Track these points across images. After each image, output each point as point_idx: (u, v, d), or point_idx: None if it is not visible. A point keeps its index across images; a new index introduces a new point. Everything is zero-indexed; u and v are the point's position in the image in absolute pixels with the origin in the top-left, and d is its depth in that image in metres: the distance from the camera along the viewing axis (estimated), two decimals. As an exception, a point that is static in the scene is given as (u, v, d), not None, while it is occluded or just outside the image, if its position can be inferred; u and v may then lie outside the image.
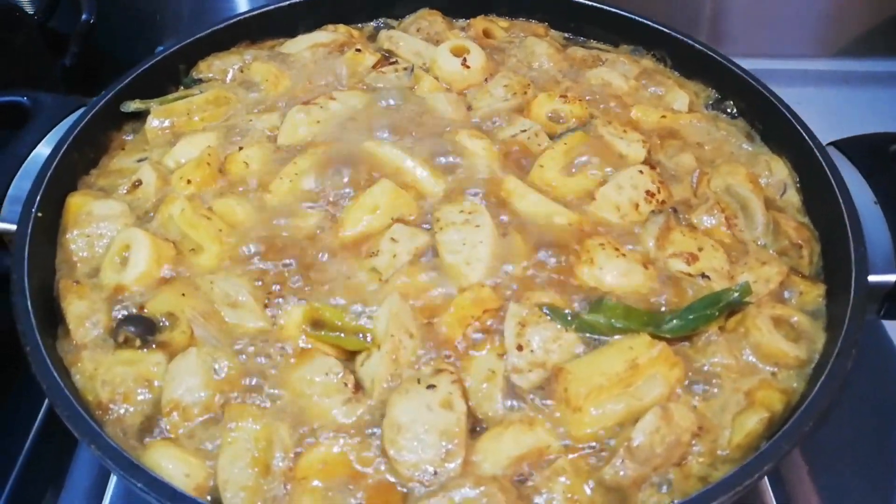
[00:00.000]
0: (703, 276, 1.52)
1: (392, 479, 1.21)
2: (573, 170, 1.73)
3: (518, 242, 1.51)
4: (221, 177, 1.71)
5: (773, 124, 1.89)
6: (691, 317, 1.41)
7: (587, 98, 1.95)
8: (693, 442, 1.27)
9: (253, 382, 1.32)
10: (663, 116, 1.93)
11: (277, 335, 1.38)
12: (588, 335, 1.39)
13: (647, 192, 1.67)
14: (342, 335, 1.36)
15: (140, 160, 1.80)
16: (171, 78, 2.02)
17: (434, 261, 1.49)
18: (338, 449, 1.23)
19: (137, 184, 1.72)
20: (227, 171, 1.72)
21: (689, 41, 2.10)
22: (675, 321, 1.41)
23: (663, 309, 1.45)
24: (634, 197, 1.65)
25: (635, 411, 1.28)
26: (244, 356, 1.35)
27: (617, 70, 2.05)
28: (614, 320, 1.38)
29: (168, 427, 1.27)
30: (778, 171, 1.81)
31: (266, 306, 1.42)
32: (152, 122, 1.87)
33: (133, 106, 1.90)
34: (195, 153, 1.75)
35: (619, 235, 1.57)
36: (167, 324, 1.41)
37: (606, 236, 1.55)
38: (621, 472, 1.20)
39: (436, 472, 1.20)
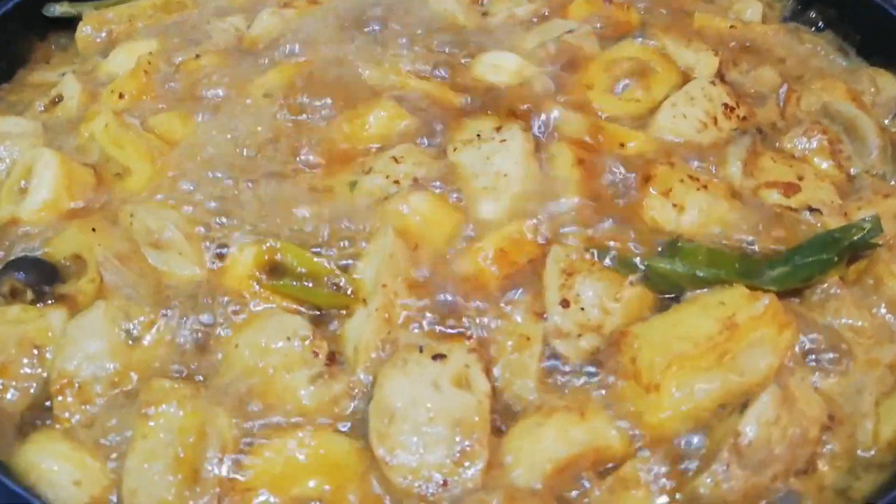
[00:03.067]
0: (811, 209, 1.11)
1: (379, 491, 0.81)
2: (623, 88, 1.32)
3: (561, 169, 1.11)
4: (165, 86, 1.30)
5: (873, 32, 1.48)
6: (802, 262, 1.01)
7: (638, 4, 1.53)
8: (823, 438, 0.87)
9: (183, 350, 0.92)
10: (732, 27, 1.52)
11: (219, 284, 0.98)
12: (660, 293, 0.99)
13: (725, 105, 1.26)
14: (310, 285, 0.96)
15: (66, 73, 1.41)
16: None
17: (446, 189, 1.09)
18: (301, 447, 0.83)
19: (57, 100, 1.33)
20: (178, 77, 1.32)
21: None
22: (779, 268, 1.01)
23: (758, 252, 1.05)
24: (710, 109, 1.24)
25: (736, 391, 0.89)
26: (171, 312, 0.95)
27: (673, -30, 1.64)
28: (697, 268, 0.98)
29: (57, 412, 0.88)
30: (887, 87, 1.40)
31: (206, 245, 1.01)
32: (84, 30, 1.47)
33: (60, 9, 1.50)
34: (133, 62, 1.35)
35: (696, 159, 1.17)
36: (72, 269, 1.02)
37: (680, 162, 1.14)
38: (725, 484, 0.80)
39: (445, 483, 0.81)
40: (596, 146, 1.17)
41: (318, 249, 1.00)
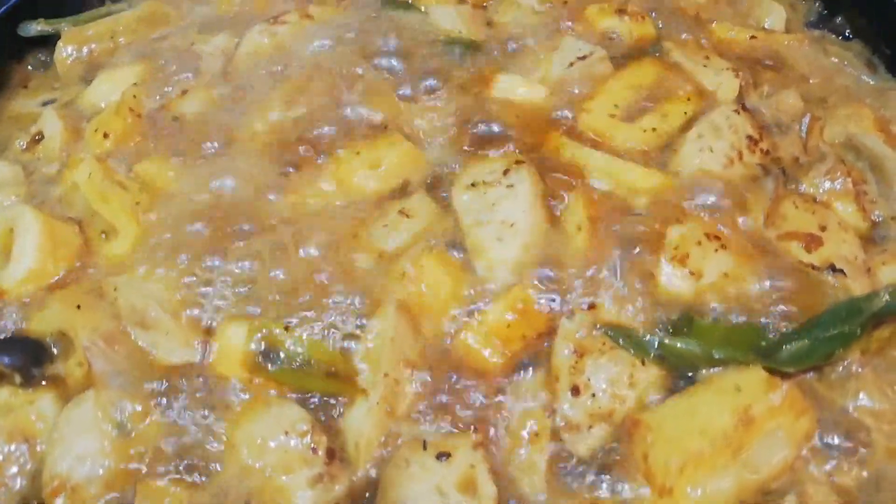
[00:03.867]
0: (833, 268, 1.06)
1: None
2: (638, 111, 1.24)
3: (572, 224, 1.05)
4: (151, 127, 1.23)
5: (907, 47, 1.39)
6: (822, 336, 0.96)
7: (652, 14, 1.42)
8: (840, 541, 0.85)
9: (178, 445, 0.89)
10: (753, 37, 1.42)
11: (210, 369, 0.94)
12: (675, 370, 0.94)
13: (749, 137, 1.19)
14: (306, 368, 0.91)
15: (46, 103, 1.33)
16: (94, -12, 1.52)
17: (451, 245, 1.04)
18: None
19: (38, 138, 1.26)
20: (163, 116, 1.24)
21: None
22: (797, 343, 0.96)
23: (778, 324, 0.99)
24: (736, 142, 1.17)
25: (752, 488, 0.86)
26: (163, 402, 0.91)
27: (690, -27, 1.53)
28: (713, 348, 0.93)
29: (52, 516, 0.86)
30: (918, 115, 1.32)
31: (195, 319, 0.97)
32: (63, 51, 1.38)
33: (37, 27, 1.41)
34: (118, 94, 1.27)
35: (717, 204, 1.10)
36: (58, 350, 0.98)
37: (698, 212, 1.08)
38: None
39: None
40: (608, 196, 1.10)
41: (316, 325, 0.95)
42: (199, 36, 1.38)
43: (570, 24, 1.39)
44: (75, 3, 1.47)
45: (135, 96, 1.25)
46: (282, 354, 0.92)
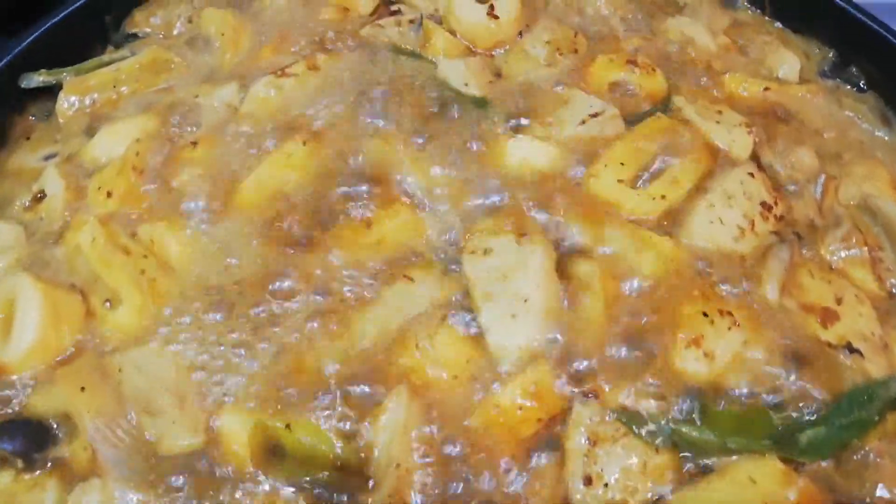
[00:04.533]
0: (850, 347, 1.04)
1: None
2: (648, 175, 1.22)
3: (587, 301, 1.03)
4: (154, 186, 1.21)
5: (922, 101, 1.37)
6: (839, 424, 0.95)
7: (662, 67, 1.40)
8: None
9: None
10: (766, 89, 1.40)
11: (219, 460, 0.92)
12: (688, 455, 0.93)
13: (763, 203, 1.17)
14: (313, 462, 0.90)
15: (48, 157, 1.31)
16: (95, 35, 1.49)
17: (463, 320, 1.02)
18: None
19: (40, 196, 1.23)
20: (166, 175, 1.22)
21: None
22: (814, 431, 0.95)
23: (793, 407, 0.98)
24: (749, 211, 1.15)
25: (764, 590, 0.84)
26: (170, 494, 0.90)
27: (701, 21, 1.50)
28: (727, 437, 0.92)
29: None
30: (935, 174, 1.30)
31: (204, 410, 0.95)
32: (65, 101, 1.36)
33: (39, 79, 1.38)
34: (121, 148, 1.25)
35: (729, 278, 1.08)
36: (62, 432, 0.96)
37: (710, 287, 1.06)
38: None
39: None
40: (620, 269, 1.09)
41: (323, 415, 0.94)
42: (203, 87, 1.36)
43: (579, 77, 1.37)
44: (77, 51, 1.44)
45: (137, 153, 1.22)
46: (287, 451, 0.90)
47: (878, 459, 0.94)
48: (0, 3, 2.06)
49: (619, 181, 1.19)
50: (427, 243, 1.12)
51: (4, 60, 1.33)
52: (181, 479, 0.90)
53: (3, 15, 2.10)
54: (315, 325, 1.00)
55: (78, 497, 0.89)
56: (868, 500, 0.92)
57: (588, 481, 0.90)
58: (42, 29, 1.39)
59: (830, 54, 1.50)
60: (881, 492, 0.92)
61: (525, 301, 1.02)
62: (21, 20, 1.70)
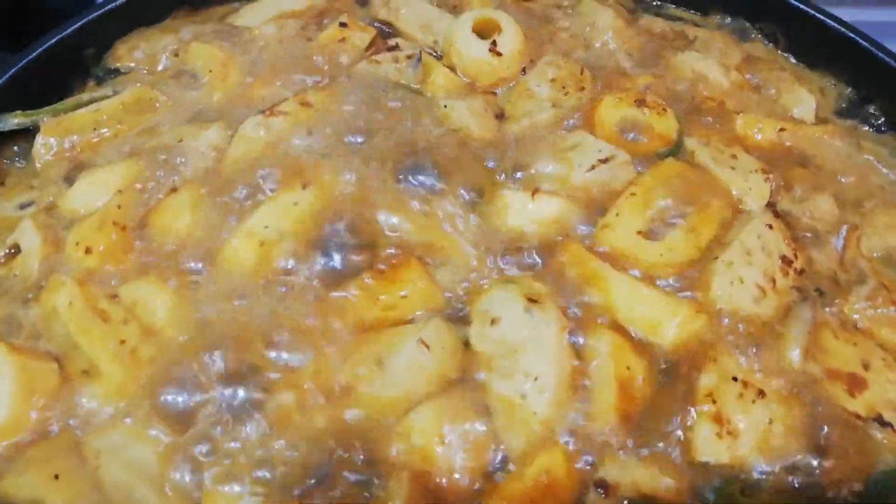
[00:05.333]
0: (880, 420, 0.97)
1: None
2: (663, 225, 1.15)
3: (599, 381, 0.96)
4: (139, 239, 1.13)
5: (945, 144, 1.31)
6: (874, 508, 0.88)
7: (673, 107, 1.33)
8: None
9: None
10: (782, 130, 1.33)
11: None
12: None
13: (783, 258, 1.11)
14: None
15: (24, 206, 1.23)
16: (75, 70, 1.41)
17: (470, 407, 0.95)
18: None
19: (14, 251, 1.16)
20: (149, 229, 1.14)
21: (810, 10, 1.47)
22: (848, 517, 0.88)
23: (823, 489, 0.91)
24: (768, 267, 1.09)
25: None
26: None
27: (713, 56, 1.44)
28: (758, 529, 0.85)
29: None
30: (961, 223, 1.23)
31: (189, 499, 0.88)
32: (42, 145, 1.28)
33: (14, 121, 1.30)
34: (102, 199, 1.17)
35: (752, 342, 1.02)
36: (34, 524, 0.88)
37: (732, 356, 0.99)
38: None
39: None
40: (635, 336, 1.02)
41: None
42: (188, 128, 1.28)
43: (586, 118, 1.31)
44: (55, 87, 1.36)
45: (119, 207, 1.15)
46: None
47: (915, 549, 0.88)
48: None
49: (637, 232, 1.12)
50: (433, 305, 1.04)
51: (-23, 103, 1.25)
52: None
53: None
54: (316, 410, 0.93)
55: None
56: None
57: (606, 580, 0.83)
58: (17, 66, 1.32)
59: (847, 91, 1.44)
60: (920, 588, 0.86)
61: (536, 379, 0.95)
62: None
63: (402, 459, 0.89)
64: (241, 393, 0.95)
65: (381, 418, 0.93)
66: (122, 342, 1.00)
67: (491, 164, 1.22)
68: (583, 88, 1.36)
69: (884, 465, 0.92)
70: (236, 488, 0.87)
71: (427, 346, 0.97)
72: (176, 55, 1.44)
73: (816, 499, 0.90)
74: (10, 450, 0.93)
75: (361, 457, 0.90)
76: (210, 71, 1.39)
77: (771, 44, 1.52)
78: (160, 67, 1.43)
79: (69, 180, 1.23)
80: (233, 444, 0.90)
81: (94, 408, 0.96)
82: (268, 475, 0.87)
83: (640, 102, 1.32)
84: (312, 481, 0.87)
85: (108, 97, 1.34)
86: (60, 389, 0.98)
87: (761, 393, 0.96)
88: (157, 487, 0.87)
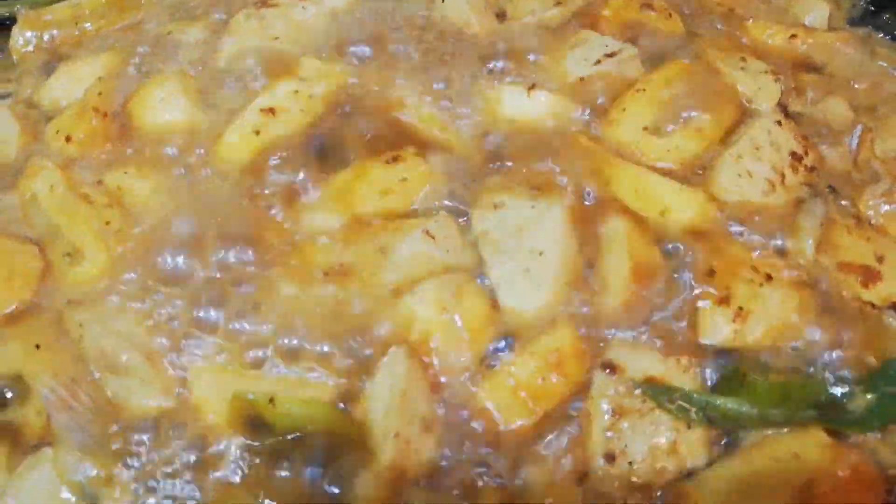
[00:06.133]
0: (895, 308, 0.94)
1: None
2: (671, 122, 1.10)
3: (607, 263, 0.92)
4: (121, 131, 1.07)
5: (962, 50, 1.26)
6: (889, 392, 0.85)
7: (681, 11, 1.28)
8: None
9: (151, 519, 0.76)
10: (793, 36, 1.29)
11: (193, 416, 0.81)
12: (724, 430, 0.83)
13: (792, 153, 1.07)
14: (303, 436, 0.79)
15: (1, 97, 1.17)
16: (54, -35, 1.34)
17: (472, 277, 0.91)
18: None
19: (-10, 139, 1.10)
20: (131, 118, 1.08)
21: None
22: (862, 400, 0.85)
23: (835, 375, 0.88)
24: (777, 162, 1.05)
25: (812, 576, 0.75)
26: (135, 464, 0.78)
27: (723, -38, 1.38)
28: (766, 408, 0.82)
29: None
30: (977, 127, 1.20)
31: (177, 370, 0.83)
32: (20, 37, 1.22)
33: (-10, 10, 1.24)
34: (82, 89, 1.11)
35: (762, 232, 0.99)
36: (13, 395, 0.84)
37: (741, 245, 0.96)
38: None
39: None
40: (644, 220, 0.98)
41: (315, 373, 0.82)
42: (174, 24, 1.22)
43: (591, 17, 1.25)
44: (35, -19, 1.29)
45: (100, 93, 1.09)
46: (272, 427, 0.79)
47: (931, 432, 0.85)
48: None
49: (644, 128, 1.07)
50: (434, 194, 1.00)
51: (-49, -12, 1.19)
52: (149, 448, 0.79)
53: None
54: (306, 282, 0.88)
55: (28, 469, 0.78)
56: (919, 476, 0.83)
57: (611, 458, 0.80)
58: (-6, -44, 1.25)
59: (861, 0, 1.39)
60: (936, 470, 0.83)
61: (541, 254, 0.91)
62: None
63: (402, 335, 0.85)
64: (233, 263, 0.90)
65: (380, 298, 0.88)
66: (107, 223, 0.95)
67: (490, 60, 1.17)
68: (588, -10, 1.30)
69: (897, 350, 0.89)
70: (229, 367, 0.83)
71: (433, 237, 0.93)
72: (162, -48, 1.37)
73: (830, 384, 0.86)
74: (-12, 328, 0.89)
75: (359, 335, 0.85)
76: (197, -33, 1.33)
77: (783, -49, 1.46)
78: (145, -36, 1.36)
79: (48, 72, 1.18)
80: (221, 321, 0.85)
81: (77, 288, 0.92)
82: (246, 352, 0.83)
83: (647, 6, 1.26)
84: (299, 352, 0.82)
85: (90, -9, 1.28)
86: (42, 271, 0.94)
87: (769, 277, 0.92)
88: (143, 354, 0.82)
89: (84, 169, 1.03)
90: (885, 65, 1.28)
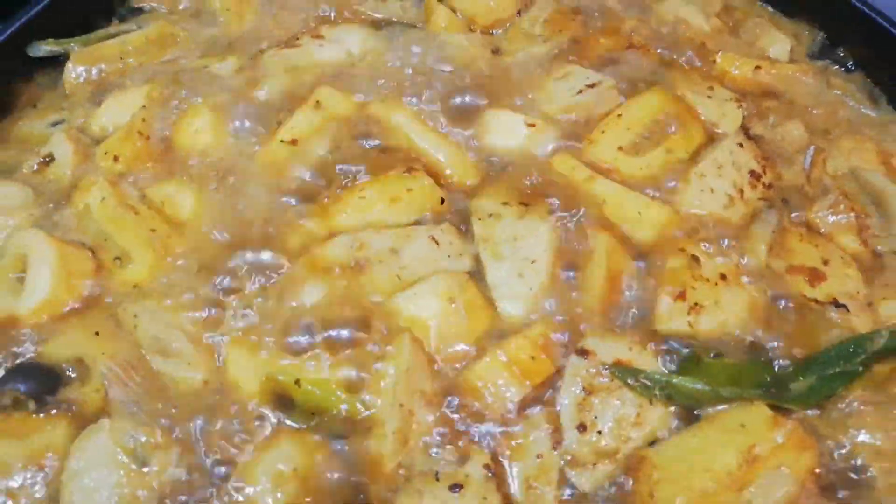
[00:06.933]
0: (836, 303, 1.08)
1: None
2: (644, 144, 1.25)
3: (586, 268, 1.07)
4: (162, 152, 1.23)
5: (908, 80, 1.41)
6: (826, 374, 0.99)
7: (657, 48, 1.43)
8: (840, 577, 0.87)
9: (194, 477, 0.90)
10: (757, 67, 1.44)
11: (231, 394, 0.96)
12: (682, 406, 0.96)
13: (752, 172, 1.21)
14: (323, 408, 0.93)
15: (55, 124, 1.34)
16: (100, 9, 1.52)
17: (471, 278, 1.06)
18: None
19: (48, 159, 1.26)
20: (171, 141, 1.25)
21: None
22: (804, 381, 0.98)
23: (780, 361, 1.02)
24: (737, 180, 1.19)
25: (753, 526, 0.88)
26: (178, 433, 0.93)
27: (695, 3, 1.54)
28: (719, 386, 0.95)
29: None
30: (920, 148, 1.34)
31: (216, 356, 0.98)
32: (72, 71, 1.38)
33: (46, 48, 1.41)
34: (127, 116, 1.28)
35: (720, 239, 1.13)
36: (74, 375, 0.98)
37: (702, 246, 1.10)
38: None
39: None
40: (618, 230, 1.12)
41: (333, 357, 0.97)
42: (208, 59, 1.39)
43: (576, 53, 1.41)
44: (82, 23, 1.46)
45: (144, 119, 1.25)
46: (296, 402, 0.93)
47: (862, 407, 0.98)
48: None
49: (619, 148, 1.22)
50: (438, 206, 1.14)
51: (12, 29, 1.36)
52: (193, 419, 0.93)
53: None
54: (325, 277, 1.03)
55: (88, 436, 0.92)
56: (849, 445, 0.96)
57: (582, 428, 0.93)
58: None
59: (819, 36, 1.55)
60: (863, 437, 0.96)
61: (533, 262, 1.06)
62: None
63: (407, 323, 0.99)
64: (262, 262, 1.05)
65: (390, 292, 1.03)
66: (153, 230, 1.10)
67: (488, 90, 1.32)
68: (573, 29, 1.46)
69: (837, 339, 1.02)
70: (263, 353, 0.97)
71: (437, 243, 1.07)
72: (196, -5, 1.55)
73: (775, 367, 1.00)
74: (53, 321, 1.03)
75: (371, 323, 1.00)
76: (227, 10, 1.50)
77: (751, -7, 1.63)
78: (181, 7, 1.54)
79: (97, 102, 1.34)
80: (251, 301, 1.01)
81: (128, 287, 1.06)
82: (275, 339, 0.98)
83: (630, 46, 1.42)
84: (319, 338, 0.97)
85: (132, 31, 1.45)
86: (95, 273, 1.09)
87: (723, 277, 1.06)
88: (189, 340, 0.97)
89: (130, 184, 1.18)
90: (840, 93, 1.43)
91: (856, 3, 1.48)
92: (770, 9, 1.61)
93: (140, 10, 1.54)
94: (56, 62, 1.42)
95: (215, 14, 1.50)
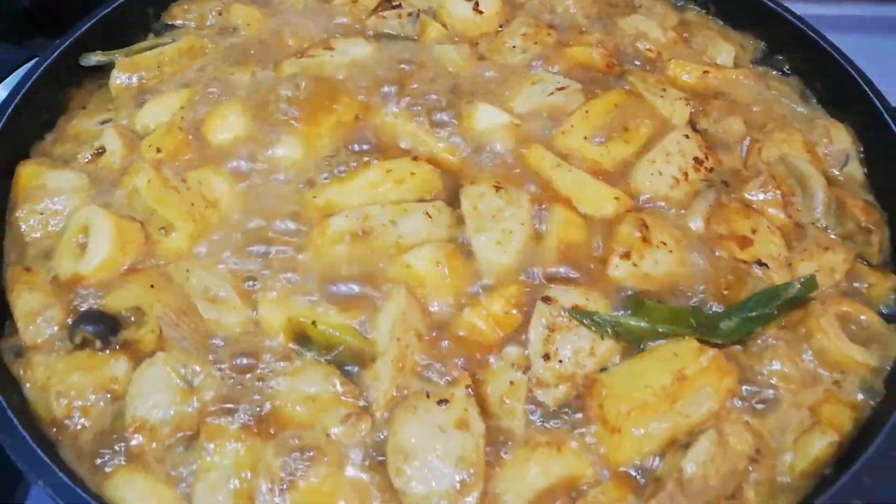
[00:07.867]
0: (760, 263, 1.30)
1: (396, 517, 1.03)
2: (604, 136, 1.49)
3: (550, 237, 1.30)
4: (197, 145, 1.46)
5: (832, 83, 1.64)
6: (748, 316, 1.21)
7: (619, 57, 1.68)
8: (749, 468, 1.08)
9: (234, 394, 1.12)
10: (706, 72, 1.67)
11: (263, 332, 1.19)
12: (628, 342, 1.18)
13: (695, 158, 1.44)
14: (335, 344, 1.16)
15: (103, 122, 1.56)
16: (139, 24, 1.76)
17: (459, 245, 1.28)
18: (334, 478, 1.04)
19: (100, 151, 1.48)
20: (204, 134, 1.48)
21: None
22: (729, 322, 1.20)
23: (711, 306, 1.24)
24: (683, 165, 1.42)
25: (682, 430, 1.09)
26: (222, 364, 1.15)
27: (653, 19, 1.79)
28: (659, 325, 1.17)
29: (133, 448, 1.08)
30: (839, 139, 1.57)
31: (253, 304, 1.22)
32: (117, 78, 1.61)
33: (95, 58, 1.64)
34: (166, 116, 1.51)
35: (666, 212, 1.36)
36: (133, 320, 1.20)
37: (648, 217, 1.32)
38: (669, 510, 1.02)
39: (450, 508, 1.02)
40: (576, 209, 1.35)
41: (343, 306, 1.19)
42: (233, 67, 1.62)
43: (549, 62, 1.65)
44: (124, 37, 1.70)
45: (182, 118, 1.48)
46: (313, 339, 1.16)
47: (775, 343, 1.20)
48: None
49: (584, 138, 1.46)
50: (437, 190, 1.37)
51: (66, 43, 1.59)
52: (233, 354, 1.15)
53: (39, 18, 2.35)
54: (339, 244, 1.26)
55: (147, 366, 1.13)
56: (766, 372, 1.17)
57: (547, 358, 1.15)
58: (97, 17, 1.66)
59: (762, 45, 1.78)
60: (775, 366, 1.18)
61: (510, 233, 1.28)
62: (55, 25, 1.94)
63: (403, 280, 1.21)
64: (285, 230, 1.29)
65: (390, 256, 1.25)
66: (192, 205, 1.33)
67: (474, 91, 1.56)
68: (547, 42, 1.70)
69: (760, 289, 1.25)
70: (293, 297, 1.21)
71: (430, 217, 1.30)
72: (220, 14, 1.79)
73: (705, 311, 1.22)
74: (112, 278, 1.25)
75: (374, 279, 1.22)
76: (248, 26, 1.74)
77: (703, 10, 1.87)
78: (208, 24, 1.78)
79: (139, 104, 1.56)
80: (280, 259, 1.25)
81: (172, 252, 1.29)
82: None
83: (593, 52, 1.65)
84: (333, 289, 1.20)
85: (167, 43, 1.68)
86: (144, 241, 1.31)
87: (664, 242, 1.28)
88: (233, 290, 1.20)
89: (171, 170, 1.40)
90: (776, 93, 1.67)
91: (791, 18, 1.73)
92: (720, 22, 1.85)
93: (173, 26, 1.78)
94: (103, 70, 1.65)
95: (238, 30, 1.74)
